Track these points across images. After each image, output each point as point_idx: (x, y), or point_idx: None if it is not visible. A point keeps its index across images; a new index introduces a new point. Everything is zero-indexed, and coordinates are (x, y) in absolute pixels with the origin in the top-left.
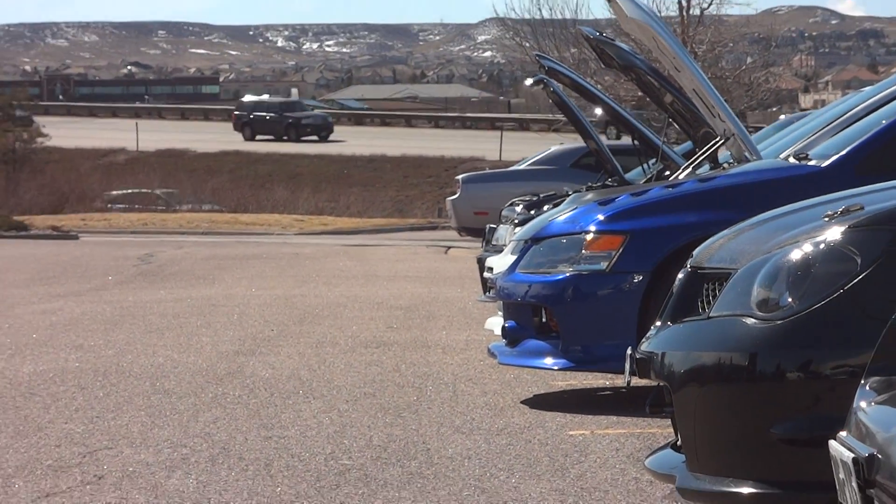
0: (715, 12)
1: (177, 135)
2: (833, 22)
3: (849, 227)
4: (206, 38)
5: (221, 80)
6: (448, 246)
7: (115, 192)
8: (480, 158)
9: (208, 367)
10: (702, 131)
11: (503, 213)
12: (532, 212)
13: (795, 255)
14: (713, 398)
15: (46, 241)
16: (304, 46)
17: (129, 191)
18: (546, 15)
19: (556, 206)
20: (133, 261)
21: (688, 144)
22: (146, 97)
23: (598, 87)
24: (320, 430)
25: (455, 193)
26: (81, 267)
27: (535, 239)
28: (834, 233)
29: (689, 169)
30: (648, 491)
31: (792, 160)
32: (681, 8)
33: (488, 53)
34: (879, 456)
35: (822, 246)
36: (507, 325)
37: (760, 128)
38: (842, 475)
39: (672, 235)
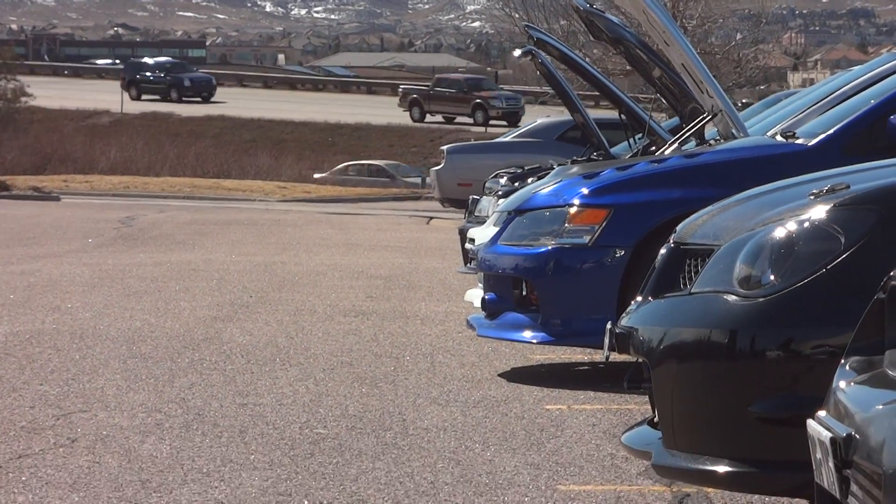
0: None
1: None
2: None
3: (833, 205)
4: (194, 0)
5: (208, 43)
6: (430, 216)
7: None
8: (466, 129)
9: (185, 333)
10: (689, 107)
11: (487, 184)
12: (516, 184)
13: (779, 232)
14: (691, 375)
15: (27, 201)
16: (293, 12)
17: (359, 163)
18: None
19: (540, 178)
20: (114, 223)
21: (675, 120)
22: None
23: (587, 59)
24: (296, 398)
25: (439, 164)
26: (62, 229)
27: (519, 211)
28: (818, 211)
29: (676, 144)
30: (624, 467)
31: (779, 138)
32: None
33: (477, 24)
34: (857, 436)
35: (806, 224)
36: (486, 297)
37: (750, 104)
38: (819, 455)
39: (656, 211)
